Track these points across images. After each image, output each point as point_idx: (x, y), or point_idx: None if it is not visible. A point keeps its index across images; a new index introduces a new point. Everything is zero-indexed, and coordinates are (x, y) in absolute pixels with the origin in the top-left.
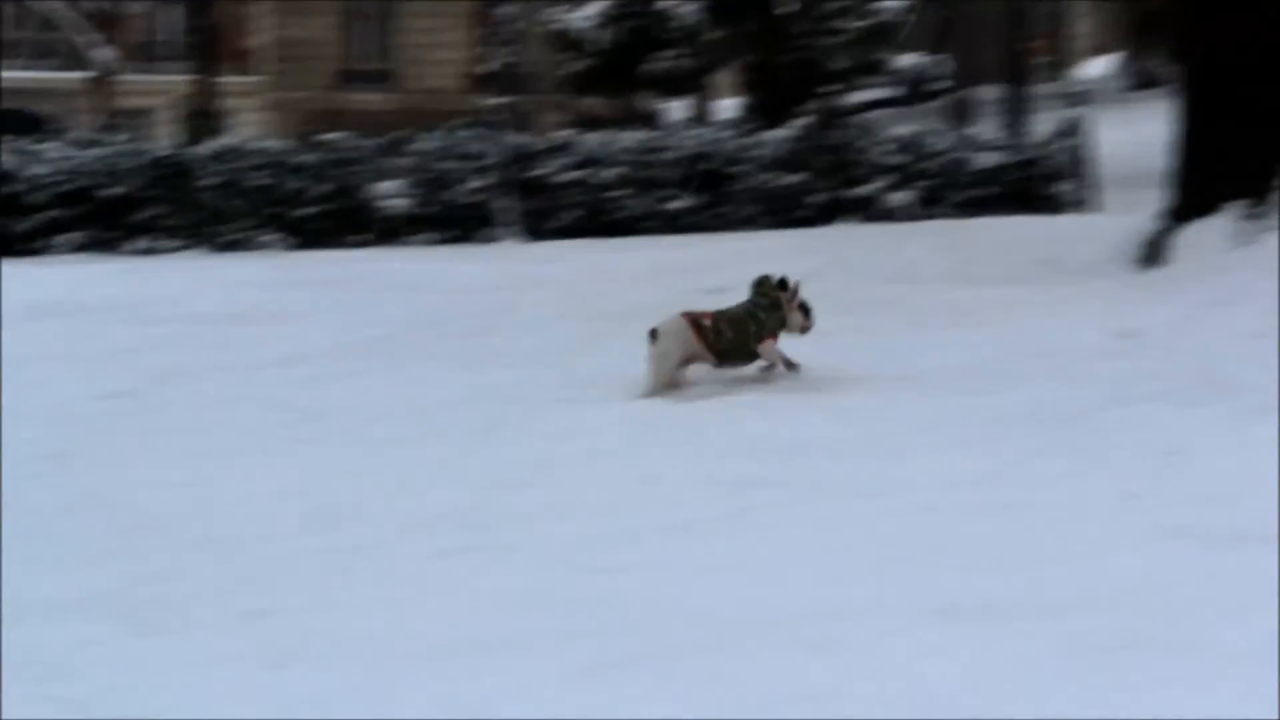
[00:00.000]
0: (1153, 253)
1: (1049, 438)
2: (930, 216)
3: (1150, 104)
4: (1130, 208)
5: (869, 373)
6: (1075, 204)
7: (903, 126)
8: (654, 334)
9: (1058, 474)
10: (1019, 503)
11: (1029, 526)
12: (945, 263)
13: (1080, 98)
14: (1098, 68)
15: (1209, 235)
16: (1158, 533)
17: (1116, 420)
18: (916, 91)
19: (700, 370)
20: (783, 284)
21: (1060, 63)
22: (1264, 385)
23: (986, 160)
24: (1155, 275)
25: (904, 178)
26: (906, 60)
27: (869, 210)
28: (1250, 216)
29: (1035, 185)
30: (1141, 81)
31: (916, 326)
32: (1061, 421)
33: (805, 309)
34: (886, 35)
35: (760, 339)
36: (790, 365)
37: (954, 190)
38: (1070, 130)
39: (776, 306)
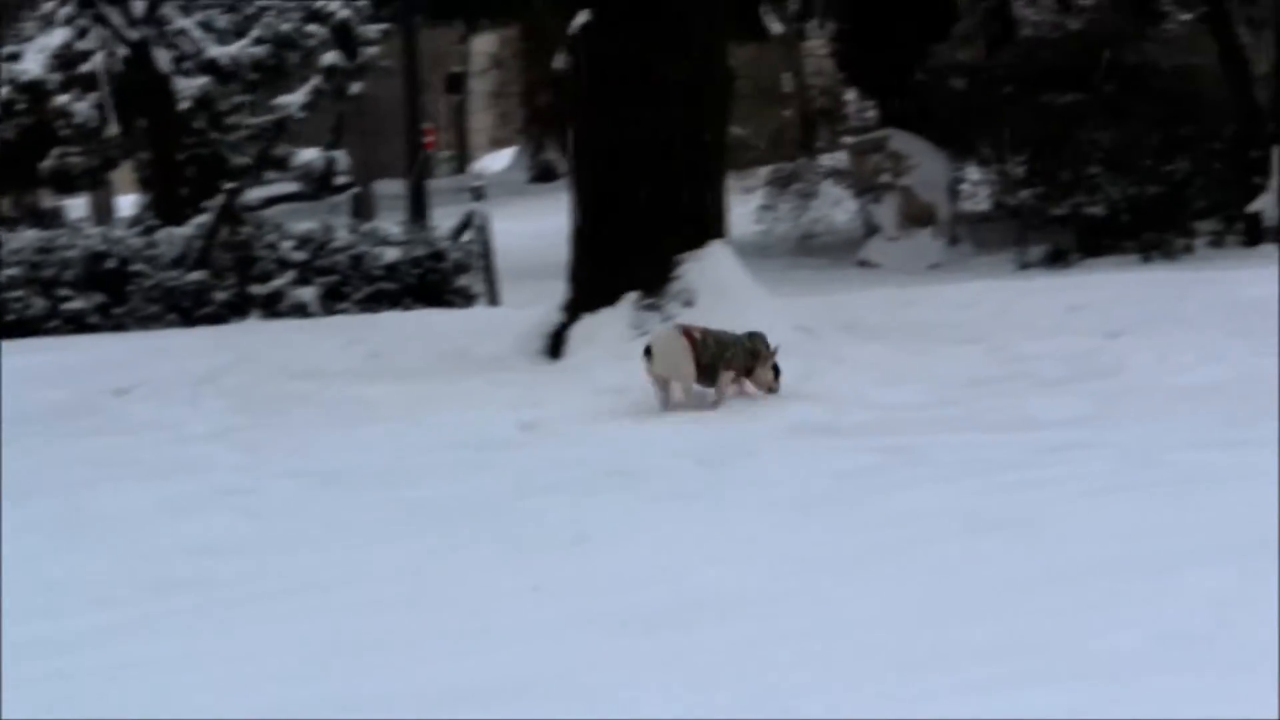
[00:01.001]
0: (555, 344)
1: (461, 530)
2: (337, 311)
3: (551, 196)
4: (534, 299)
5: (284, 470)
6: (480, 297)
7: (306, 221)
8: (649, 352)
9: (471, 566)
10: (434, 597)
11: (445, 619)
12: (353, 358)
13: (481, 191)
14: (499, 161)
15: (609, 325)
16: (570, 620)
17: (525, 510)
18: (319, 186)
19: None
20: (766, 344)
21: (462, 156)
22: (664, 471)
23: (390, 254)
24: (558, 366)
25: (309, 273)
26: (308, 155)
27: (275, 306)
28: (647, 307)
29: (440, 279)
30: (541, 174)
31: (328, 423)
32: (473, 514)
33: (777, 371)
34: (286, 130)
35: (728, 366)
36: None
37: (359, 285)
38: (471, 223)
39: (755, 355)
